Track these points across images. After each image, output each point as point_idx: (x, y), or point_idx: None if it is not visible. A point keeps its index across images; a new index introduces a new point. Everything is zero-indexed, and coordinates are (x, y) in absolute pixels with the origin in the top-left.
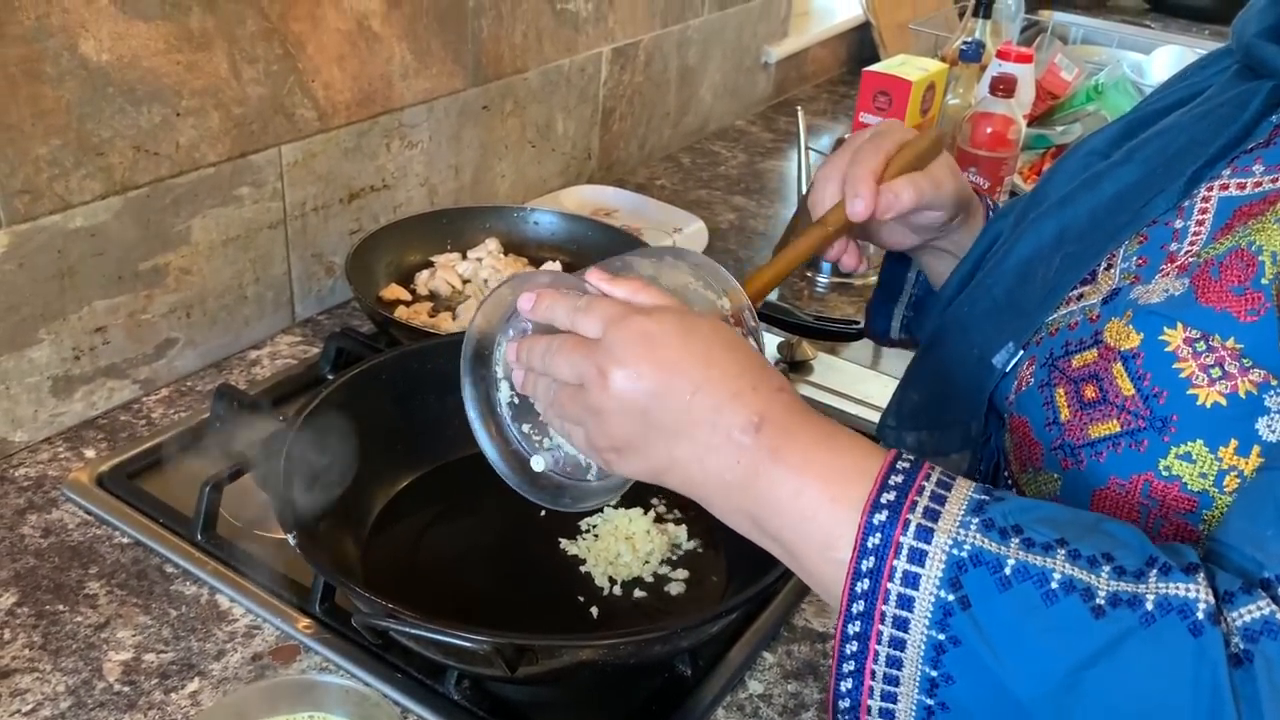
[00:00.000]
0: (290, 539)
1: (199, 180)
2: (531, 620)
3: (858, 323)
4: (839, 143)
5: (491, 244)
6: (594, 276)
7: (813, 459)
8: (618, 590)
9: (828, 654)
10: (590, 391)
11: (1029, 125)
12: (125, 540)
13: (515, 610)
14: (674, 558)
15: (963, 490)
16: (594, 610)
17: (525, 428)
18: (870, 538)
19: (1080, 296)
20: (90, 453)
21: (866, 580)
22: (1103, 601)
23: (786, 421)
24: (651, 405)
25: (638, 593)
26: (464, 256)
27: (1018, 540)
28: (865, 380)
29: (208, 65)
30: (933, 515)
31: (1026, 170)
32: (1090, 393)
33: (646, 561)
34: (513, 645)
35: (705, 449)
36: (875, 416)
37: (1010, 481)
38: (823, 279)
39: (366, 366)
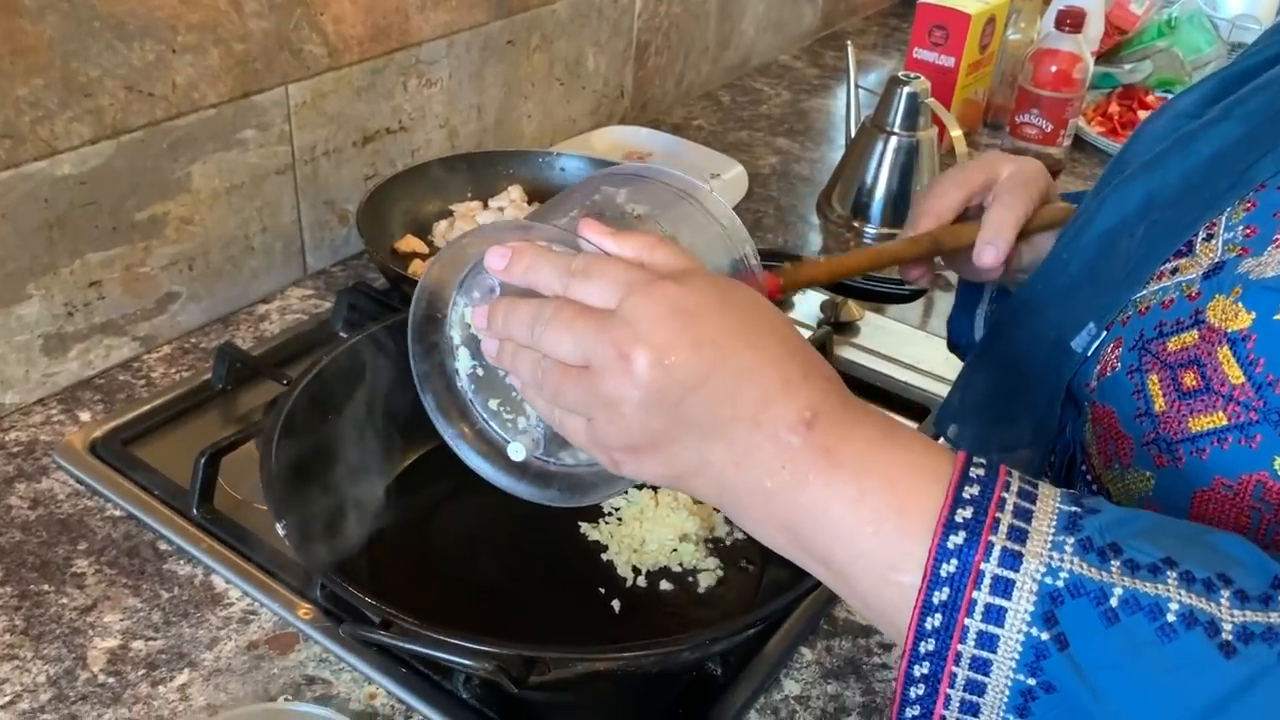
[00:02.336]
0: (279, 528)
1: (198, 123)
2: (545, 616)
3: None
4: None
5: (514, 191)
6: (590, 230)
7: (873, 460)
8: (642, 581)
9: (871, 651)
10: (604, 377)
11: (1094, 63)
12: (118, 513)
13: (528, 604)
14: (704, 545)
15: (1049, 502)
16: (615, 604)
17: (494, 403)
18: (944, 564)
19: (1175, 270)
20: (85, 415)
21: (939, 615)
22: (1230, 636)
23: (841, 415)
24: (687, 398)
25: (664, 584)
26: (485, 205)
27: (1119, 563)
28: (915, 342)
29: None
30: (1019, 535)
31: (1090, 111)
32: (1190, 380)
33: (674, 549)
34: (520, 657)
35: (744, 450)
36: (925, 383)
37: (1091, 479)
38: (871, 229)
39: (371, 331)
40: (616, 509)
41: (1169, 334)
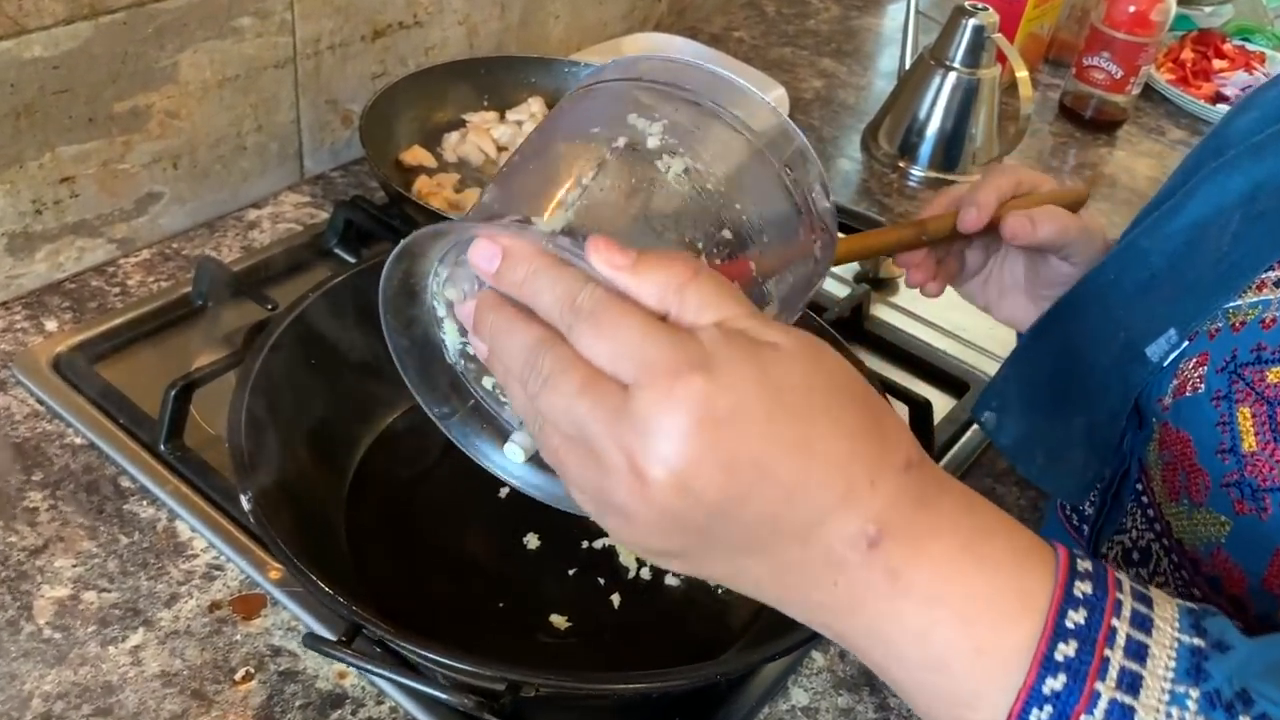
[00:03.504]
0: (244, 501)
1: (189, 7)
2: (537, 610)
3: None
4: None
5: (535, 104)
6: (601, 259)
7: (949, 589)
8: (646, 573)
9: None
10: (614, 481)
11: None
12: (79, 441)
13: (518, 594)
14: None
15: (1167, 630)
16: (615, 598)
17: (489, 382)
18: (1035, 711)
19: None
20: (52, 325)
21: None
22: None
23: (914, 527)
24: (714, 524)
25: (670, 579)
26: (502, 118)
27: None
28: (959, 307)
29: None
30: (1132, 684)
31: (1161, 57)
32: None
33: None
34: (504, 680)
35: (788, 567)
36: (967, 355)
37: (1149, 503)
38: (918, 170)
39: (360, 268)
40: None
41: (1270, 362)
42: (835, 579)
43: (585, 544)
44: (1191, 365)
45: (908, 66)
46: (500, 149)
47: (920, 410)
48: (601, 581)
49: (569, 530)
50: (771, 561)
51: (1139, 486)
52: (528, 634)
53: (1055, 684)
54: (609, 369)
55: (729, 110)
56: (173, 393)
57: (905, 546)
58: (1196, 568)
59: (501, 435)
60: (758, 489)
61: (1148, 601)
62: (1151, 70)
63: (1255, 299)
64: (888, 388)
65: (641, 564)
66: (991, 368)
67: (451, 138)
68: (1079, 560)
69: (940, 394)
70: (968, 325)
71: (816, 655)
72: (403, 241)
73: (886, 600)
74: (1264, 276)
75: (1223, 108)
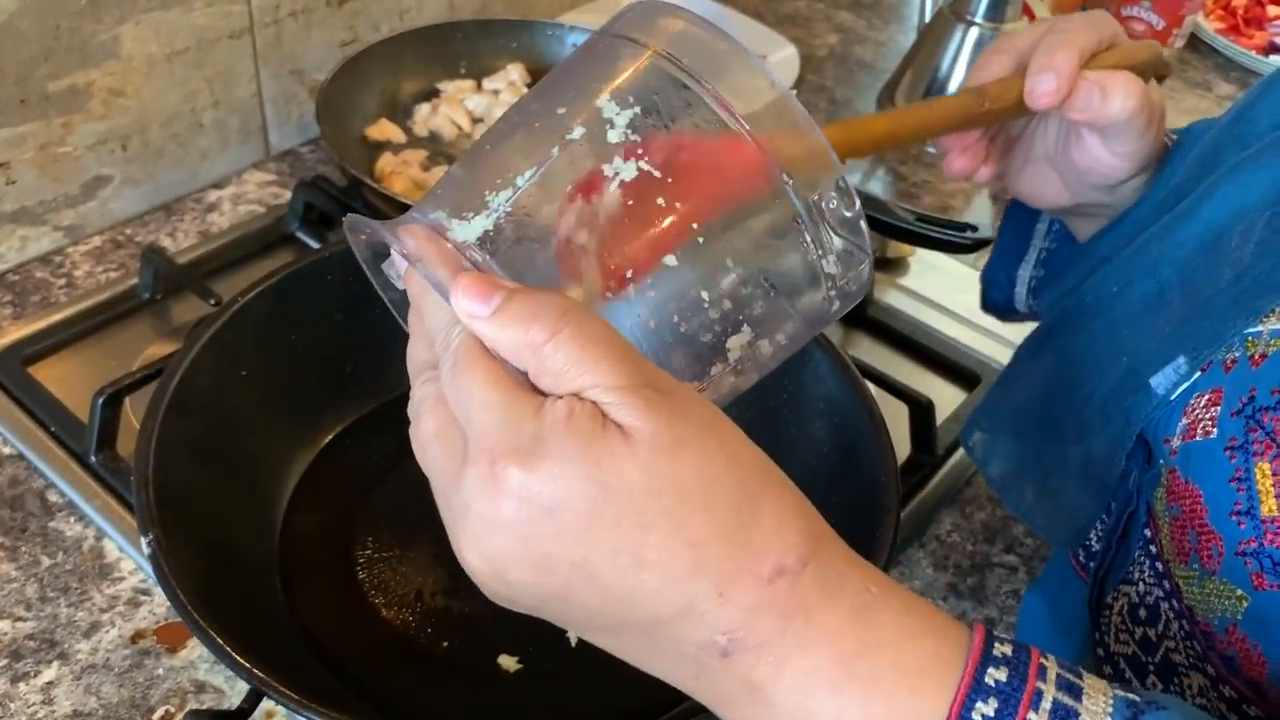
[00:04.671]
0: (144, 544)
1: None
2: (484, 651)
3: (975, 228)
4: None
5: (514, 71)
6: (466, 301)
7: (818, 703)
8: None
9: None
10: (452, 531)
11: None
12: (7, 451)
13: (466, 634)
14: None
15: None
16: (571, 636)
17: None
18: None
19: None
20: None
21: None
22: None
23: (777, 641)
24: (548, 608)
25: None
26: (478, 87)
27: None
28: (972, 289)
29: None
30: None
31: (1211, 4)
32: None
33: None
34: None
35: (650, 653)
36: (980, 342)
37: (1159, 560)
38: None
39: (295, 269)
40: None
41: None
42: (696, 674)
43: None
44: (1203, 403)
45: (927, 20)
46: (475, 121)
47: (920, 411)
48: None
49: None
50: (627, 646)
51: (1147, 533)
52: (474, 678)
53: None
54: (459, 421)
55: (729, 110)
56: (100, 401)
57: (766, 662)
58: (1210, 641)
59: None
60: (580, 590)
61: (1076, 692)
62: (1199, 18)
63: (1278, 326)
64: (884, 384)
65: None
66: (1006, 356)
67: (423, 109)
68: (998, 644)
69: (949, 386)
70: (979, 308)
71: None
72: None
73: (749, 707)
74: None
75: (1276, 59)
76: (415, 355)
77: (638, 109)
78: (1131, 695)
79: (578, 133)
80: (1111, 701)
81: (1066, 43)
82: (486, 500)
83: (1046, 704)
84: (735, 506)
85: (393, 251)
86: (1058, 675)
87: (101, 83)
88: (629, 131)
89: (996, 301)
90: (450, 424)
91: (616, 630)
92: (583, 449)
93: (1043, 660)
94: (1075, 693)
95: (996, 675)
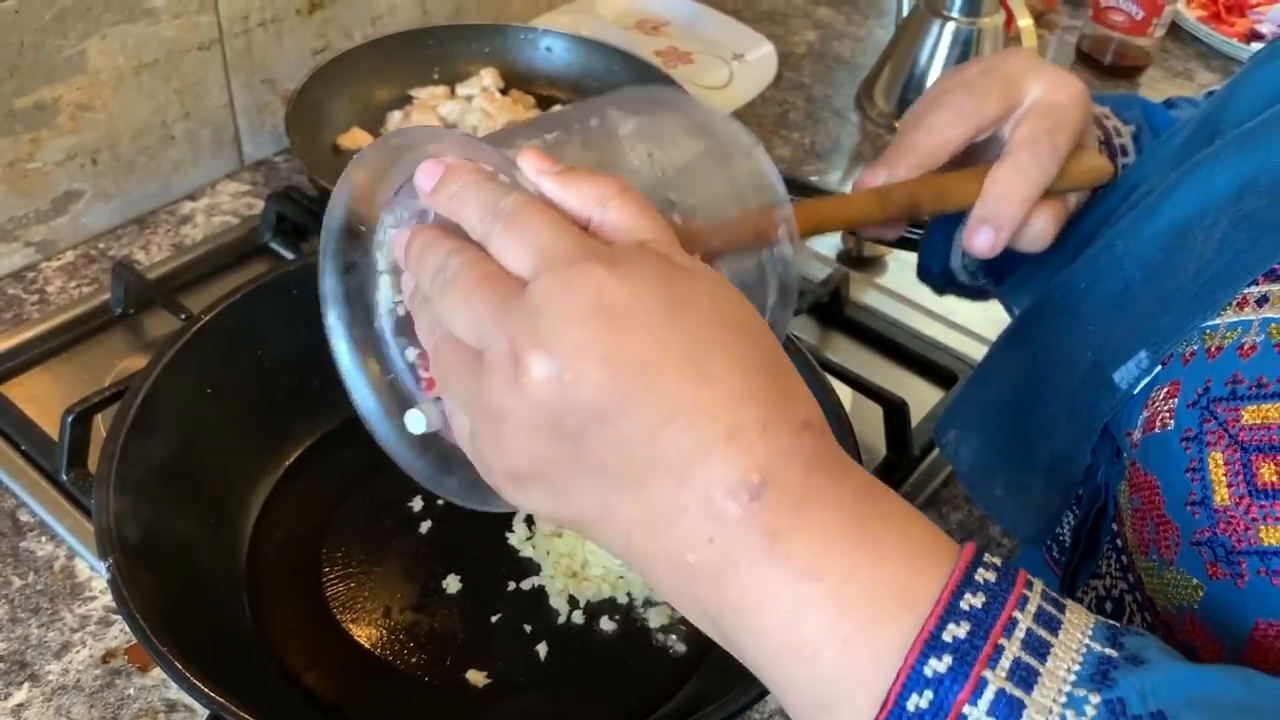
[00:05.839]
0: (104, 571)
1: None
2: (452, 665)
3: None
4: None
5: (487, 76)
6: (529, 162)
7: (828, 565)
8: (578, 617)
9: None
10: (491, 378)
11: None
12: None
13: (434, 648)
14: None
15: (1076, 635)
16: (541, 649)
17: (413, 355)
18: (915, 696)
19: (1264, 300)
20: None
21: None
22: None
23: (802, 490)
24: (589, 429)
25: (605, 623)
26: (452, 92)
27: None
28: None
29: None
30: (1026, 678)
31: None
32: (1270, 474)
33: (622, 576)
34: None
35: (662, 511)
36: (959, 342)
37: (1124, 553)
38: None
39: (263, 282)
40: None
41: (1245, 398)
42: (711, 535)
43: (512, 585)
44: (1162, 396)
45: (904, 16)
46: (448, 127)
47: (894, 411)
48: (528, 629)
49: (494, 570)
50: (644, 502)
51: (1115, 527)
52: (442, 694)
53: (939, 666)
54: (514, 266)
55: (690, 112)
56: (69, 419)
57: (789, 509)
58: (1169, 631)
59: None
60: (639, 397)
61: (1060, 606)
62: (1180, 7)
63: (1234, 319)
64: (859, 386)
65: (574, 607)
66: (983, 354)
67: (395, 117)
68: (989, 556)
69: (927, 385)
70: (960, 308)
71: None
72: (356, 158)
73: (762, 564)
74: (1246, 292)
75: (1257, 47)
76: (427, 263)
77: (639, 118)
78: (1109, 649)
79: (594, 122)
80: (1094, 620)
81: (1020, 190)
82: (564, 298)
83: (1032, 607)
84: (774, 356)
85: (420, 171)
86: (1043, 591)
87: (69, 98)
88: (637, 129)
89: (932, 268)
90: (497, 271)
91: (645, 477)
92: (658, 265)
93: (1032, 578)
94: (1059, 606)
95: (986, 575)
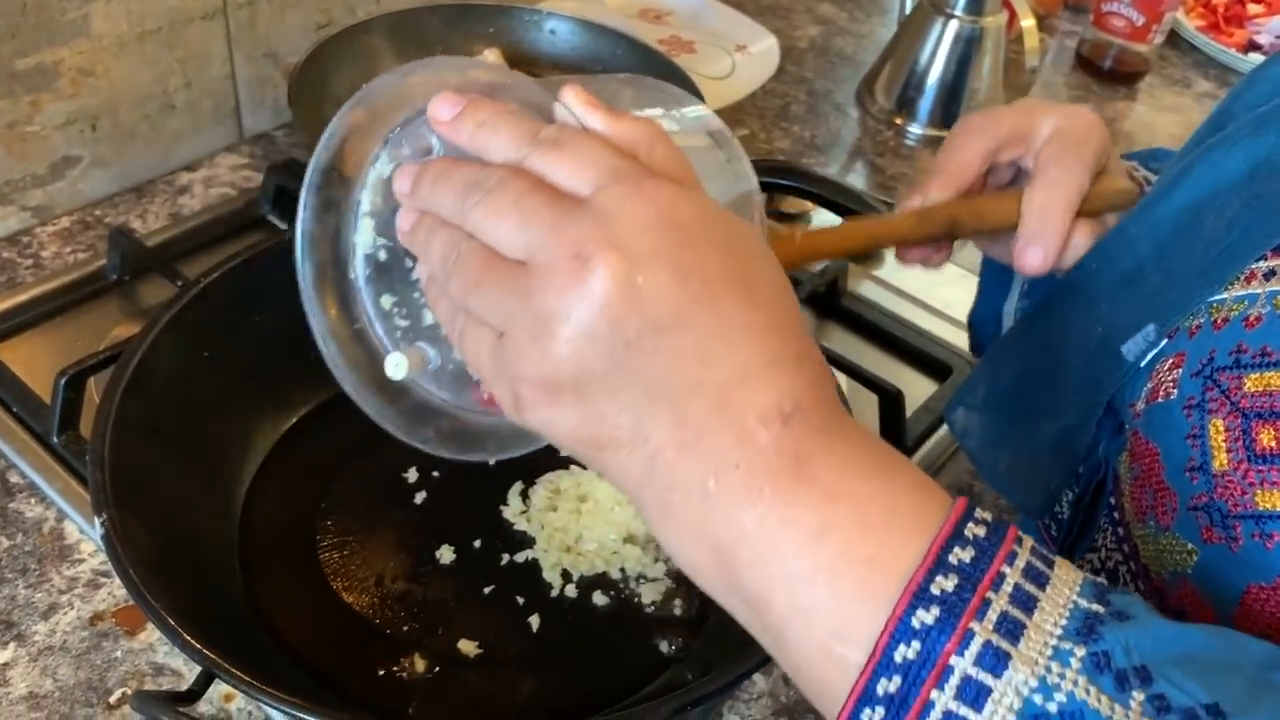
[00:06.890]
0: (98, 524)
1: None
2: (444, 636)
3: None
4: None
5: (491, 56)
6: (574, 96)
7: (850, 487)
8: (571, 590)
9: None
10: (546, 279)
11: None
12: None
13: (427, 618)
14: (653, 548)
15: (1064, 589)
16: (534, 620)
17: (388, 301)
18: (903, 646)
19: (1271, 274)
20: None
21: (880, 711)
22: None
23: (826, 421)
24: (646, 338)
25: (598, 597)
26: None
27: (1143, 697)
28: (949, 282)
29: None
30: (1012, 630)
31: (1192, 1)
32: (1269, 439)
33: (616, 551)
34: None
35: (696, 431)
36: (955, 336)
37: (1119, 525)
38: (915, 128)
39: (260, 250)
40: (558, 491)
41: (1248, 367)
42: (738, 459)
43: (505, 558)
44: (1167, 367)
45: (907, 12)
46: None
47: (890, 401)
48: (520, 601)
49: (488, 543)
50: (677, 423)
51: (1113, 500)
52: (432, 663)
53: (926, 617)
54: (568, 183)
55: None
56: (62, 381)
57: (816, 434)
58: (1162, 598)
59: (374, 366)
60: (699, 312)
61: (1049, 563)
62: (1179, 15)
63: (1241, 292)
64: (855, 374)
65: (566, 580)
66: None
67: None
68: (980, 512)
69: (921, 377)
70: (957, 301)
71: (759, 677)
72: (357, 95)
73: (787, 487)
74: (1254, 267)
75: (1255, 57)
76: (449, 184)
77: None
78: (1096, 605)
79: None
80: (1082, 577)
81: (1060, 203)
82: (637, 203)
83: (1021, 562)
84: (795, 304)
85: (436, 102)
86: (1033, 548)
87: (71, 61)
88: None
89: (985, 315)
90: (543, 183)
91: (686, 396)
92: (715, 204)
93: (1021, 534)
94: (1048, 563)
95: (976, 530)
